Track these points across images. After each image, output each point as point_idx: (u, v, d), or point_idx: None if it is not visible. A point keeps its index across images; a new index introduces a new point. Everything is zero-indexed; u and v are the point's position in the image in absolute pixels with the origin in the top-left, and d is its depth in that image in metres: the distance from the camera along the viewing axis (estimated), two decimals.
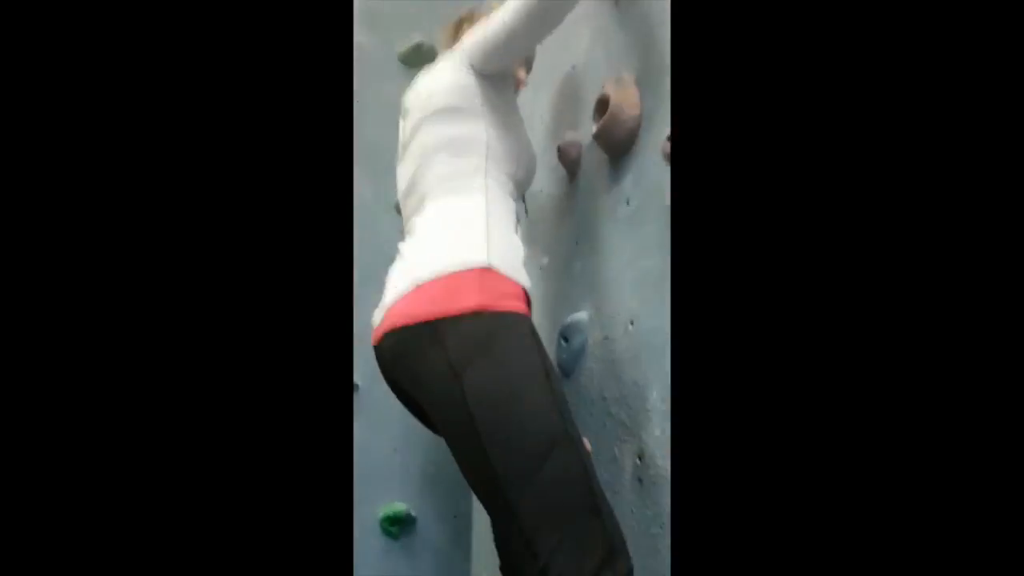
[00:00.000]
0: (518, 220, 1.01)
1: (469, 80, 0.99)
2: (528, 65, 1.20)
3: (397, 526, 1.60)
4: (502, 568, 0.83)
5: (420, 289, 0.83)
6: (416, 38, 1.83)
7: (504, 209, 0.95)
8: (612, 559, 0.72)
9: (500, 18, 0.96)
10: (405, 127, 1.06)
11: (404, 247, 0.97)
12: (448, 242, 0.88)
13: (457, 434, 0.81)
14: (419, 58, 1.81)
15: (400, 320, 0.84)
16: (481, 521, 1.58)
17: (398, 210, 1.83)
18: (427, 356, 0.80)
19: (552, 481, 0.74)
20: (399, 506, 1.61)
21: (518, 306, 0.85)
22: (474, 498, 1.63)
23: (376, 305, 0.93)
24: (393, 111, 1.21)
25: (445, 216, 0.92)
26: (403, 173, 1.05)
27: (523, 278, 0.90)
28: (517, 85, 1.12)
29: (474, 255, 0.85)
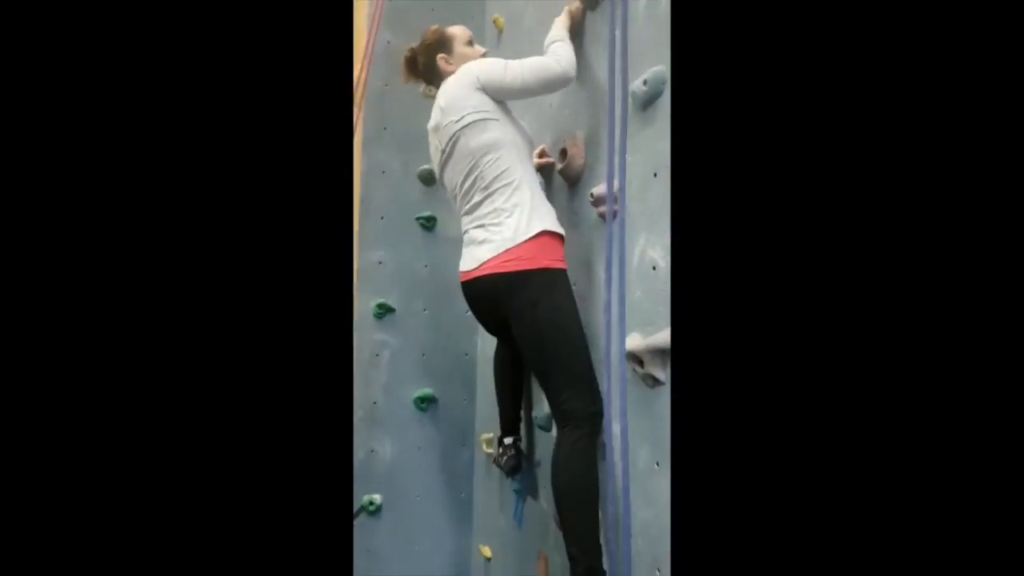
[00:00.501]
0: (543, 184, 1.54)
1: (483, 97, 1.43)
2: None
3: (426, 403, 2.35)
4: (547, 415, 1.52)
5: (508, 252, 1.36)
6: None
7: (536, 184, 1.46)
8: (598, 404, 1.31)
9: (519, 72, 1.41)
10: (440, 141, 1.52)
11: (477, 231, 1.45)
12: (517, 221, 1.38)
13: (528, 340, 1.39)
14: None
15: (496, 270, 1.37)
16: (483, 400, 2.32)
17: (420, 179, 2.42)
18: (518, 295, 1.35)
19: (574, 370, 1.32)
20: (427, 391, 2.36)
21: (562, 263, 1.40)
22: (478, 383, 2.36)
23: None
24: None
25: (508, 204, 1.40)
26: (456, 173, 1.49)
27: (559, 228, 1.43)
28: None
29: (533, 226, 1.37)
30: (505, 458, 1.75)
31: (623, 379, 1.18)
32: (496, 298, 1.41)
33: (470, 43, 1.63)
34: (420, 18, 2.14)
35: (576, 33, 1.53)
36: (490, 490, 2.22)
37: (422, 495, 2.35)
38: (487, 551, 2.20)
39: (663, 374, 1.14)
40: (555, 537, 1.61)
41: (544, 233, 1.38)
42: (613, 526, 1.19)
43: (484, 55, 1.62)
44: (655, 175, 1.21)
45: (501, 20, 2.27)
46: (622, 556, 1.15)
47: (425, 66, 1.62)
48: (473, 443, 2.39)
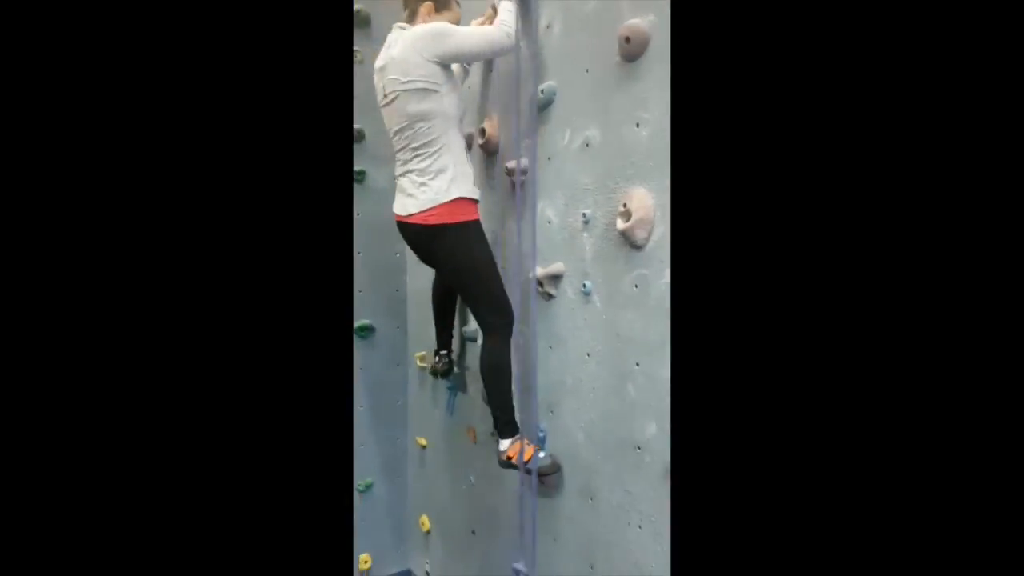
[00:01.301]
0: (468, 147, 1.83)
1: (434, 68, 1.62)
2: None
3: (365, 332, 2.85)
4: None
5: (429, 210, 1.68)
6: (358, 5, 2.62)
7: (461, 151, 1.73)
8: (508, 317, 1.75)
9: (470, 42, 1.62)
10: (384, 86, 1.72)
11: (406, 181, 1.75)
12: (439, 184, 1.69)
13: (452, 277, 1.86)
14: (358, 20, 2.66)
15: (422, 221, 1.70)
16: (413, 328, 2.86)
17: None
18: (439, 241, 1.72)
19: (490, 295, 1.74)
20: (365, 321, 2.84)
21: (475, 216, 1.75)
22: (408, 314, 2.89)
23: None
24: None
25: (433, 167, 1.69)
26: (392, 122, 1.75)
27: (474, 194, 1.75)
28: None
29: (452, 191, 1.69)
30: (441, 364, 2.30)
31: (534, 295, 1.78)
32: (422, 243, 1.80)
33: (457, 3, 1.82)
34: None
35: None
36: (423, 395, 2.80)
37: (364, 406, 2.88)
38: (423, 441, 2.81)
39: (555, 291, 1.76)
40: (481, 413, 2.24)
41: (460, 199, 1.72)
42: (521, 389, 1.82)
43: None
44: (548, 159, 1.77)
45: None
46: (531, 404, 1.80)
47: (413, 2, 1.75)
48: (407, 361, 2.94)
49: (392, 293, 2.90)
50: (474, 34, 1.66)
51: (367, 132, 2.79)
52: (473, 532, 2.37)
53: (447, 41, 1.63)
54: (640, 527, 1.49)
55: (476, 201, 1.79)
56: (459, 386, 2.43)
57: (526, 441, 1.77)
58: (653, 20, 1.37)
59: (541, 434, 1.85)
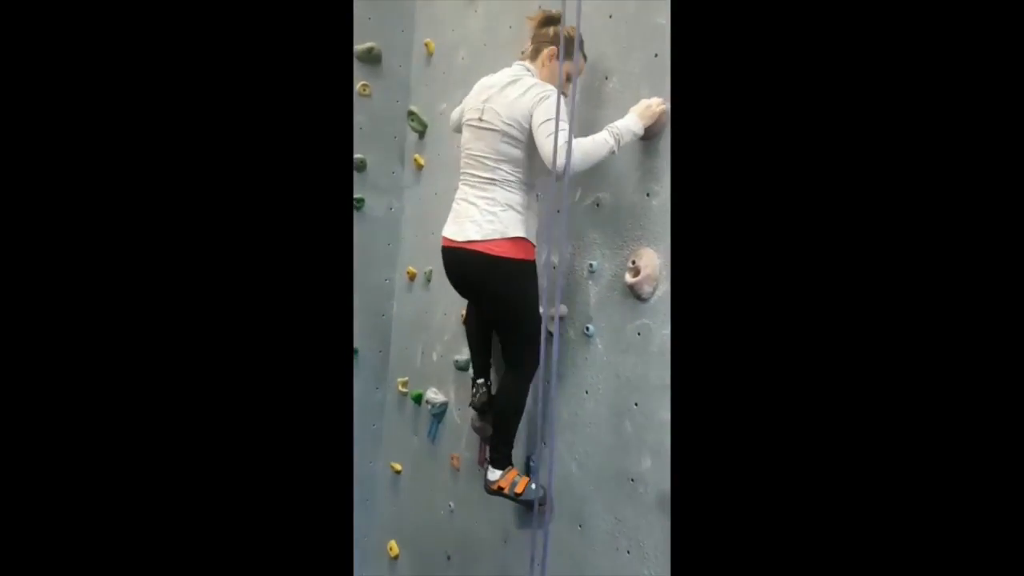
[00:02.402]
0: (537, 198, 1.80)
1: (523, 133, 1.66)
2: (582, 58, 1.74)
3: (356, 354, 2.91)
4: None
5: (496, 242, 1.68)
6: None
7: (529, 199, 1.75)
8: (537, 360, 1.73)
9: (550, 148, 1.52)
10: (480, 113, 1.71)
11: (476, 206, 1.71)
12: (507, 218, 1.69)
13: (501, 312, 1.80)
14: (370, 57, 2.80)
15: (485, 250, 1.68)
16: (398, 352, 2.93)
17: (355, 167, 2.89)
18: (496, 273, 1.70)
19: (528, 336, 1.74)
20: (357, 346, 2.91)
21: (532, 257, 1.75)
22: (392, 338, 2.97)
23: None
24: None
25: (505, 201, 1.70)
26: (476, 144, 1.73)
27: (533, 238, 1.75)
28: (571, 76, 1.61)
29: (520, 229, 1.70)
30: (478, 395, 2.06)
31: (557, 338, 1.91)
32: (474, 272, 1.75)
33: (584, 56, 1.76)
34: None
35: (652, 134, 1.59)
36: (401, 421, 2.88)
37: None
38: (397, 466, 2.87)
39: (553, 330, 1.93)
40: (466, 442, 2.35)
41: (523, 239, 1.73)
42: (542, 423, 1.96)
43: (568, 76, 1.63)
44: (557, 211, 1.96)
45: (432, 44, 2.82)
46: (549, 439, 1.95)
47: (541, 38, 1.71)
48: (386, 386, 3.01)
49: (378, 318, 2.99)
50: (549, 137, 1.56)
51: (369, 162, 2.91)
52: (448, 557, 2.44)
53: (541, 126, 1.59)
54: (629, 552, 1.64)
55: (534, 245, 1.79)
56: (441, 416, 2.53)
57: (517, 472, 1.87)
58: (668, 106, 1.60)
59: (532, 464, 1.98)
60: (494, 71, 1.82)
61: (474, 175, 1.76)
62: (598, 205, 1.82)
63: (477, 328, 2.06)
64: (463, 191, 1.80)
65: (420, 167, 2.84)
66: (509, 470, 1.87)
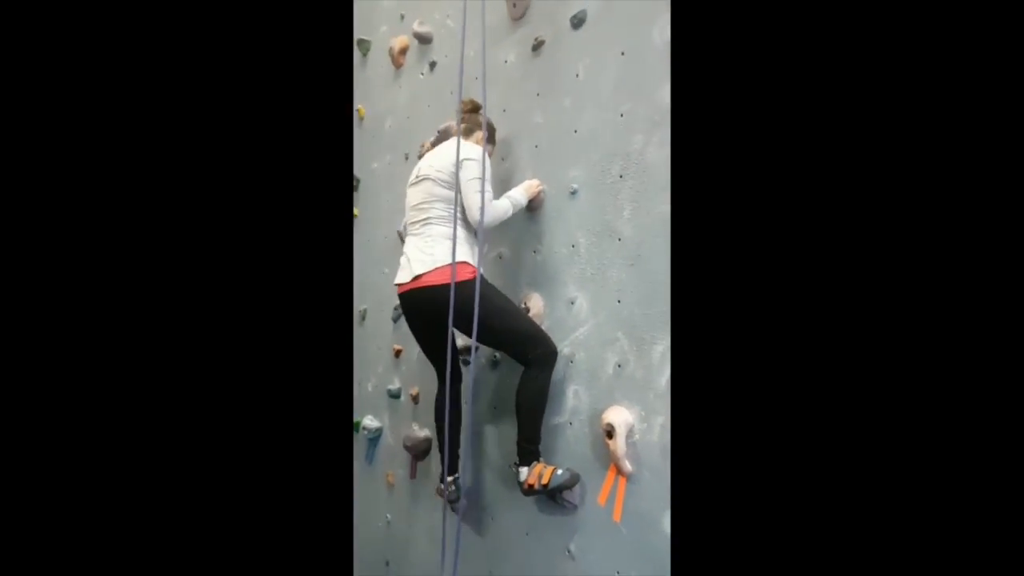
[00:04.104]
0: (475, 235, 1.89)
1: (453, 177, 1.88)
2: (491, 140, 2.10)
3: None
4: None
5: (437, 270, 1.83)
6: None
7: (465, 233, 1.88)
8: (543, 346, 1.84)
9: (475, 200, 1.82)
10: (416, 171, 2.01)
11: (414, 246, 1.92)
12: (444, 248, 1.84)
13: (470, 331, 1.74)
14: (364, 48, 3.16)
15: (430, 282, 1.84)
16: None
17: None
18: (443, 302, 1.75)
19: (518, 333, 1.85)
20: None
21: (475, 275, 1.78)
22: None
23: None
24: None
25: (439, 235, 1.88)
26: (414, 196, 1.97)
27: (476, 265, 1.82)
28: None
29: (458, 255, 1.81)
30: (448, 491, 2.02)
31: (472, 368, 2.32)
32: (428, 307, 1.90)
33: (493, 142, 2.14)
34: None
35: (534, 207, 2.04)
36: None
37: None
38: None
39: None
40: (401, 459, 2.68)
41: (461, 262, 1.84)
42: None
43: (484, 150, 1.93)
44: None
45: (363, 110, 3.20)
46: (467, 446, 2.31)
47: (472, 121, 2.05)
48: None
49: None
50: (476, 193, 1.86)
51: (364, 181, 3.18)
52: (387, 563, 2.75)
53: (468, 183, 1.89)
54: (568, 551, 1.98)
55: (476, 267, 1.87)
56: (379, 438, 2.85)
57: (543, 464, 1.84)
58: None
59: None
60: (415, 138, 2.19)
61: (413, 223, 1.99)
62: (500, 257, 2.25)
63: (443, 415, 2.01)
64: (407, 243, 2.01)
65: (355, 217, 3.19)
66: (535, 465, 1.84)
